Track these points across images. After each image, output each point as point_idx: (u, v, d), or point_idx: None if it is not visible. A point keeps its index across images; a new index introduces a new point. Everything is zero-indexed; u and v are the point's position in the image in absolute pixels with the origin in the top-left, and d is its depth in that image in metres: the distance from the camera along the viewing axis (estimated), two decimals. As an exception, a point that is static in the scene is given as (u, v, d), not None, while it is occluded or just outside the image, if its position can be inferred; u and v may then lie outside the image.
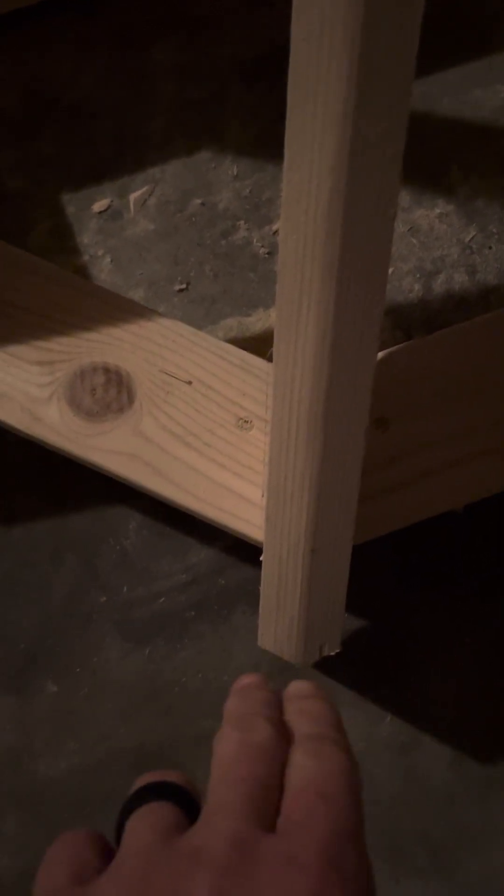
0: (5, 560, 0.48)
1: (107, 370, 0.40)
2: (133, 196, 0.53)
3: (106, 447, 0.40)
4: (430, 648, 0.48)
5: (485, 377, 0.42)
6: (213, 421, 0.40)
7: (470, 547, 0.48)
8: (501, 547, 0.48)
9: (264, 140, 0.53)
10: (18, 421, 0.40)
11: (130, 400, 0.40)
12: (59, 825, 0.47)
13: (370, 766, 0.47)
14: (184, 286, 0.51)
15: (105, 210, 0.52)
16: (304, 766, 0.24)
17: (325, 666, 0.45)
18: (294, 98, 0.27)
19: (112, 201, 0.53)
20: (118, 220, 0.52)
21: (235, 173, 0.53)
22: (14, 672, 0.47)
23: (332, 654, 0.37)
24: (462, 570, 0.48)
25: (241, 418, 0.40)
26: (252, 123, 0.54)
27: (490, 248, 0.51)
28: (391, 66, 0.26)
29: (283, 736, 0.25)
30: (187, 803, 0.24)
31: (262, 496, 0.38)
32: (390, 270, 0.51)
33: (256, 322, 0.50)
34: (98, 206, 0.52)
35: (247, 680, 0.28)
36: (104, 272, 0.51)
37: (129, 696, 0.47)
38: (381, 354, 0.42)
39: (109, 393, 0.40)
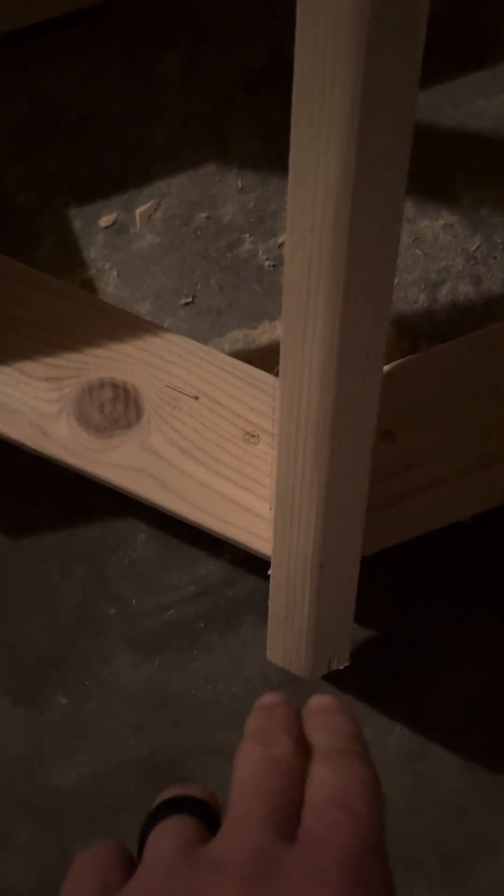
0: (15, 571, 0.49)
1: (115, 385, 0.41)
2: (139, 210, 0.53)
3: (114, 462, 0.40)
4: (439, 657, 0.48)
5: (490, 387, 0.43)
6: (220, 435, 0.41)
7: (477, 554, 0.48)
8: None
9: (269, 152, 0.54)
10: (27, 437, 0.40)
11: (138, 415, 0.40)
12: (70, 836, 0.47)
13: (380, 775, 0.47)
14: (190, 299, 0.51)
15: (111, 224, 0.53)
16: (325, 780, 0.24)
17: (334, 677, 0.46)
18: (298, 117, 0.28)
19: (118, 215, 0.53)
20: (124, 234, 0.53)
21: (240, 186, 0.53)
22: (25, 683, 0.48)
23: (341, 667, 0.37)
24: (469, 578, 0.48)
25: (248, 432, 0.40)
26: (257, 135, 0.54)
27: (495, 258, 0.52)
28: (395, 86, 0.26)
29: (304, 750, 0.26)
30: (209, 817, 0.25)
31: (270, 510, 0.39)
32: (395, 282, 0.51)
33: (262, 334, 0.51)
34: (104, 220, 0.53)
35: (269, 699, 0.28)
36: (111, 286, 0.51)
37: (138, 707, 0.48)
38: (386, 367, 0.42)
39: (117, 408, 0.40)
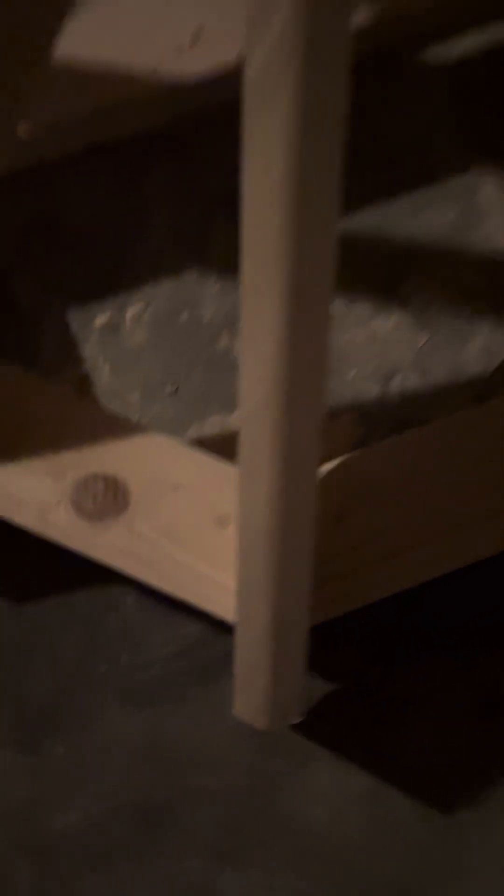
0: (18, 633, 0.54)
1: (106, 478, 0.48)
2: (129, 312, 0.60)
3: (105, 544, 0.47)
4: (400, 706, 0.52)
5: (433, 475, 0.49)
6: (195, 520, 0.47)
7: (434, 606, 0.52)
8: (470, 604, 0.53)
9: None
10: (33, 524, 0.47)
11: (125, 503, 0.47)
12: (69, 877, 0.50)
13: (344, 820, 0.51)
14: (174, 389, 0.58)
15: (105, 324, 0.60)
16: None
17: (300, 727, 0.51)
18: (247, 260, 0.34)
19: (111, 316, 0.60)
20: (117, 333, 0.60)
21: (219, 290, 0.60)
22: (25, 734, 0.52)
23: (296, 722, 0.43)
24: (427, 628, 0.53)
25: (220, 517, 0.47)
26: (233, 245, 0.61)
27: (440, 352, 0.59)
28: (320, 218, 0.32)
29: None
30: None
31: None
32: (352, 373, 0.58)
33: (238, 420, 0.57)
34: (99, 320, 0.60)
35: None
36: (104, 378, 0.58)
37: (131, 755, 0.52)
38: (338, 460, 0.49)
39: (108, 498, 0.47)
